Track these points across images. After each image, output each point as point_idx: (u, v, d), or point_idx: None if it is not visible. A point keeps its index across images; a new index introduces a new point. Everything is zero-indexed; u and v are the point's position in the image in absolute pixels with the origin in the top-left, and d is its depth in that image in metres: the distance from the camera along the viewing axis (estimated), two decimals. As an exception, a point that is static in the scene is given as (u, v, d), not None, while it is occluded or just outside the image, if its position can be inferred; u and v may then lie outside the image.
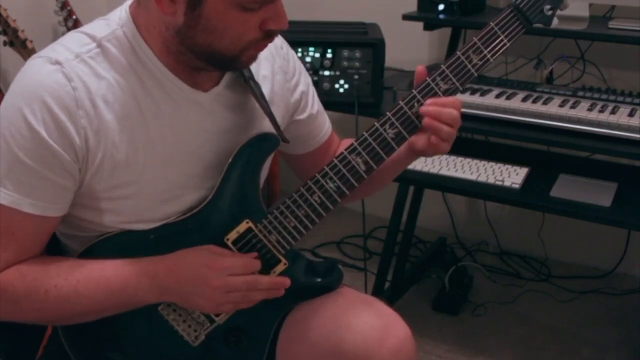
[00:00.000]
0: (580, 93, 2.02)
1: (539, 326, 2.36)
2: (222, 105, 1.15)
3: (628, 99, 1.96)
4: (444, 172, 2.00)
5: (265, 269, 1.15)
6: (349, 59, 2.06)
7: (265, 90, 1.20)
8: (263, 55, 1.21)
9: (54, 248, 1.19)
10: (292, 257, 1.18)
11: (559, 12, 1.17)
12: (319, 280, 1.22)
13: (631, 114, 1.85)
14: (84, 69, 1.05)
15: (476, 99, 2.00)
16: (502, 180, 1.94)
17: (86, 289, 1.08)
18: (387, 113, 1.14)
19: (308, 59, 2.08)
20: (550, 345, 2.26)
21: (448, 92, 1.14)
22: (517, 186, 1.93)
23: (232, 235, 1.15)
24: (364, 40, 2.07)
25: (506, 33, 1.14)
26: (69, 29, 2.30)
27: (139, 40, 1.07)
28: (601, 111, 1.88)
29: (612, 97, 1.98)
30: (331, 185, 1.14)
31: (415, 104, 1.14)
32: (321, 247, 2.85)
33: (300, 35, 2.09)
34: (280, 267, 1.17)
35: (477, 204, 2.83)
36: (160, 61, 1.08)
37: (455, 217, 2.86)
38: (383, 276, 2.35)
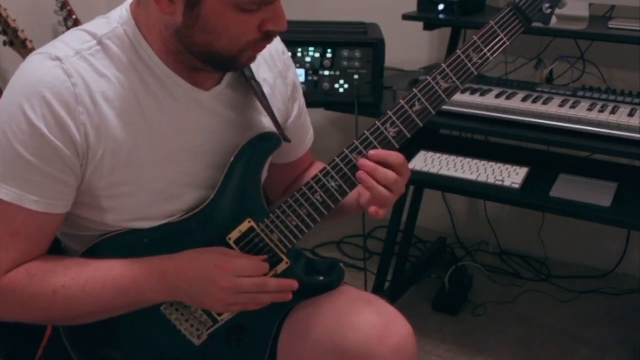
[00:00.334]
0: (580, 93, 2.02)
1: (539, 326, 2.36)
2: (223, 105, 1.15)
3: (628, 99, 1.96)
4: (444, 172, 2.00)
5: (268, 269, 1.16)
6: (349, 59, 2.06)
7: (266, 92, 1.20)
8: (264, 58, 1.21)
9: (55, 249, 1.18)
10: (294, 256, 1.18)
11: (558, 11, 1.17)
12: (321, 278, 1.22)
13: (631, 114, 1.86)
14: (84, 65, 1.05)
15: (476, 99, 2.00)
16: (502, 180, 1.94)
17: (94, 289, 1.08)
18: (389, 112, 1.14)
19: (308, 59, 2.08)
20: (550, 345, 2.26)
21: (448, 91, 1.14)
22: (517, 186, 1.93)
23: (235, 235, 1.15)
24: (364, 40, 2.08)
25: (506, 32, 1.14)
26: (68, 29, 2.29)
27: (139, 38, 1.08)
28: (601, 111, 1.89)
29: (612, 97, 1.98)
30: (333, 184, 1.14)
31: (416, 103, 1.14)
32: (321, 247, 2.85)
33: (300, 35, 2.09)
34: (282, 266, 1.17)
35: (477, 204, 2.83)
36: (161, 60, 1.08)
37: (455, 217, 2.86)
38: (383, 276, 2.35)
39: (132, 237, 1.13)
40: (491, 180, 1.95)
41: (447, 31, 2.44)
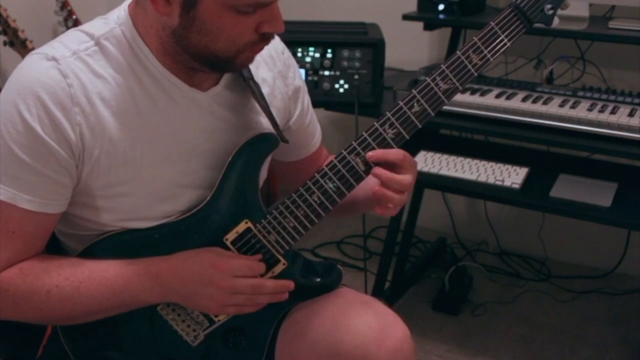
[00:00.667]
0: (580, 93, 2.02)
1: (539, 326, 2.36)
2: (220, 105, 1.15)
3: (628, 99, 1.96)
4: (444, 172, 2.00)
5: (265, 269, 1.15)
6: (349, 59, 2.06)
7: (265, 92, 1.20)
8: (263, 58, 1.21)
9: (53, 247, 1.19)
10: (291, 257, 1.18)
11: (559, 11, 1.17)
12: (318, 280, 1.22)
13: (631, 114, 1.85)
14: (80, 66, 1.05)
15: (476, 99, 2.00)
16: (502, 180, 1.94)
17: (88, 289, 1.08)
18: (387, 113, 1.13)
19: (308, 59, 2.08)
20: (550, 345, 2.26)
21: (448, 92, 1.14)
22: (517, 186, 1.92)
23: (231, 235, 1.14)
24: (364, 40, 2.07)
25: (507, 33, 1.13)
26: (68, 29, 2.29)
27: (137, 39, 1.07)
28: (601, 111, 1.88)
29: (612, 97, 1.98)
30: (330, 185, 1.14)
31: (415, 104, 1.13)
32: (321, 247, 2.85)
33: (300, 35, 2.09)
34: (279, 267, 1.17)
35: (477, 204, 2.83)
36: (158, 60, 1.08)
37: (455, 217, 2.86)
38: (383, 276, 2.35)
39: (128, 237, 1.13)
40: (491, 180, 1.95)
41: (447, 31, 2.43)
